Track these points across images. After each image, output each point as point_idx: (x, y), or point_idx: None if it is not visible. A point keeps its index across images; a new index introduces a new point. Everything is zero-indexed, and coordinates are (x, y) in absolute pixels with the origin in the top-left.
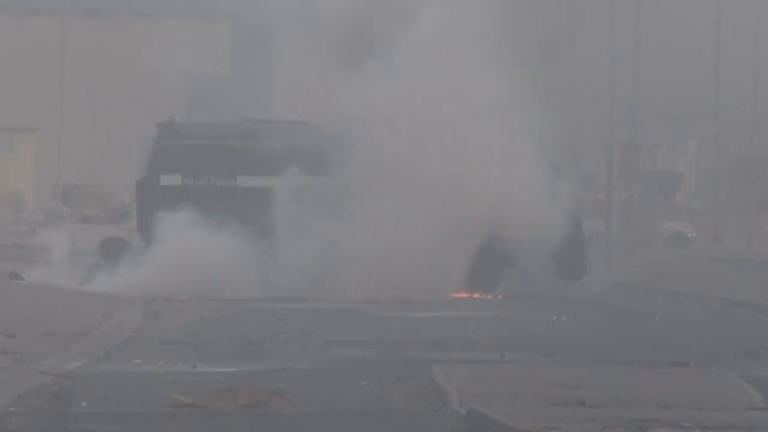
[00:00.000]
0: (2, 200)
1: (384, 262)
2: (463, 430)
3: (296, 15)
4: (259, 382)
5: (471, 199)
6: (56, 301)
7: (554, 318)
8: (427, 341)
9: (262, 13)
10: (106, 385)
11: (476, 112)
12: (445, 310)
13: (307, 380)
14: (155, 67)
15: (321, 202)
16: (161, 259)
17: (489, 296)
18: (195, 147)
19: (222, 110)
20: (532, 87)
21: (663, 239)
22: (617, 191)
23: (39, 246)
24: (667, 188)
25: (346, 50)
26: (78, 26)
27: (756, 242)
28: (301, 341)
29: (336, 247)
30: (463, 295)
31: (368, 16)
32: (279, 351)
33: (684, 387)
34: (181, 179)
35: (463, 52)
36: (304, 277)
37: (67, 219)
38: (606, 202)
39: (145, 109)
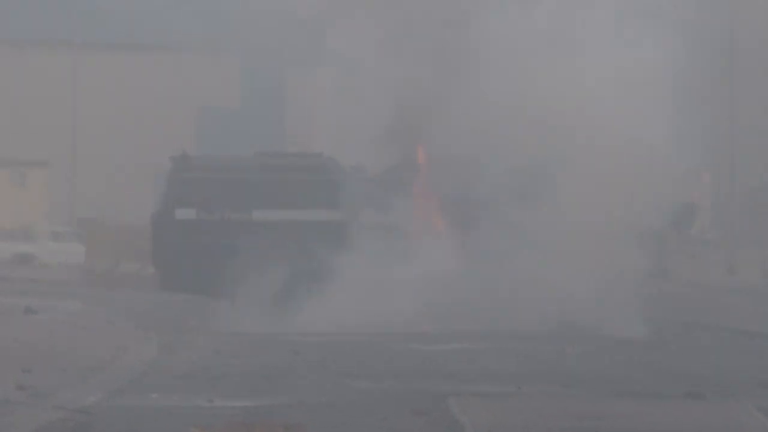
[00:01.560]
0: (14, 234)
1: (558, 289)
2: None
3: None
4: (275, 416)
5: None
6: (70, 334)
7: (568, 350)
8: (443, 374)
9: (276, 48)
10: (122, 419)
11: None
12: (457, 342)
13: (324, 414)
14: (167, 98)
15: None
16: (341, 294)
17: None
18: (210, 180)
19: (233, 144)
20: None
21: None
22: None
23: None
24: (682, 219)
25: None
26: (90, 59)
27: None
28: (316, 374)
29: (513, 275)
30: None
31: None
32: (295, 385)
33: (700, 418)
34: (195, 213)
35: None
36: (478, 308)
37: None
38: None
39: (157, 142)
